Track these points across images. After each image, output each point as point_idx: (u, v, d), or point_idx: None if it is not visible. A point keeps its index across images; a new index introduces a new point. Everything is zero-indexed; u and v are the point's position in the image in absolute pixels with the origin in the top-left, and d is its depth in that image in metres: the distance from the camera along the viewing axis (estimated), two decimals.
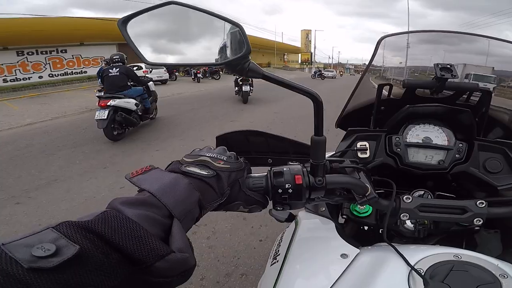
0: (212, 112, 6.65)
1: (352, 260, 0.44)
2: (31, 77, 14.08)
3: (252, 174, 0.44)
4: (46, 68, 14.73)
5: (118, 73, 4.45)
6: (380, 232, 0.61)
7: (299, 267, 0.49)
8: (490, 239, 0.55)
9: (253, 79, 6.96)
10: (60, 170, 3.19)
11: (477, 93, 0.62)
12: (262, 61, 37.35)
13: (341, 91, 10.47)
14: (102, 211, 0.27)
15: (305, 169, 0.43)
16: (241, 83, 7.90)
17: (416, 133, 0.62)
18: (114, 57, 4.66)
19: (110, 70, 4.50)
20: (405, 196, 0.47)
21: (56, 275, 0.20)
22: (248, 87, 7.83)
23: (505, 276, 0.34)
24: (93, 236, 0.24)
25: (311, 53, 62.20)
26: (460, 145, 0.59)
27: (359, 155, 0.61)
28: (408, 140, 0.61)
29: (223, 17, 0.40)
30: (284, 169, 0.42)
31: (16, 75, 13.68)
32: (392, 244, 0.42)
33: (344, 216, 0.62)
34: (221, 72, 17.46)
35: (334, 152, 0.64)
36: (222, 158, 0.39)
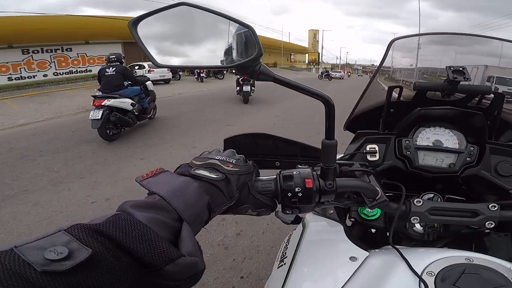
0: (212, 113, 6.41)
1: (361, 263, 0.44)
2: (36, 75, 14.16)
3: (260, 177, 0.44)
4: (51, 67, 14.80)
5: (114, 73, 4.35)
6: (388, 235, 0.61)
7: (307, 270, 0.48)
8: (500, 242, 0.54)
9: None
10: (35, 179, 2.97)
11: (489, 96, 0.61)
12: (269, 61, 37.06)
13: (349, 92, 10.15)
14: (113, 214, 0.27)
15: (315, 172, 0.42)
16: (242, 83, 7.73)
17: (426, 136, 0.61)
18: (110, 57, 4.53)
19: (106, 70, 4.40)
20: (416, 200, 0.47)
21: (69, 278, 0.20)
22: (249, 87, 7.67)
23: None
24: (104, 239, 0.24)
25: (319, 53, 61.57)
26: (472, 148, 0.58)
27: (368, 158, 0.61)
28: (418, 143, 0.61)
29: (234, 19, 0.40)
30: (294, 172, 0.42)
31: (21, 73, 13.75)
32: (399, 247, 0.42)
33: (352, 219, 0.62)
34: (224, 72, 17.21)
35: (342, 155, 0.63)
36: (231, 161, 0.40)
